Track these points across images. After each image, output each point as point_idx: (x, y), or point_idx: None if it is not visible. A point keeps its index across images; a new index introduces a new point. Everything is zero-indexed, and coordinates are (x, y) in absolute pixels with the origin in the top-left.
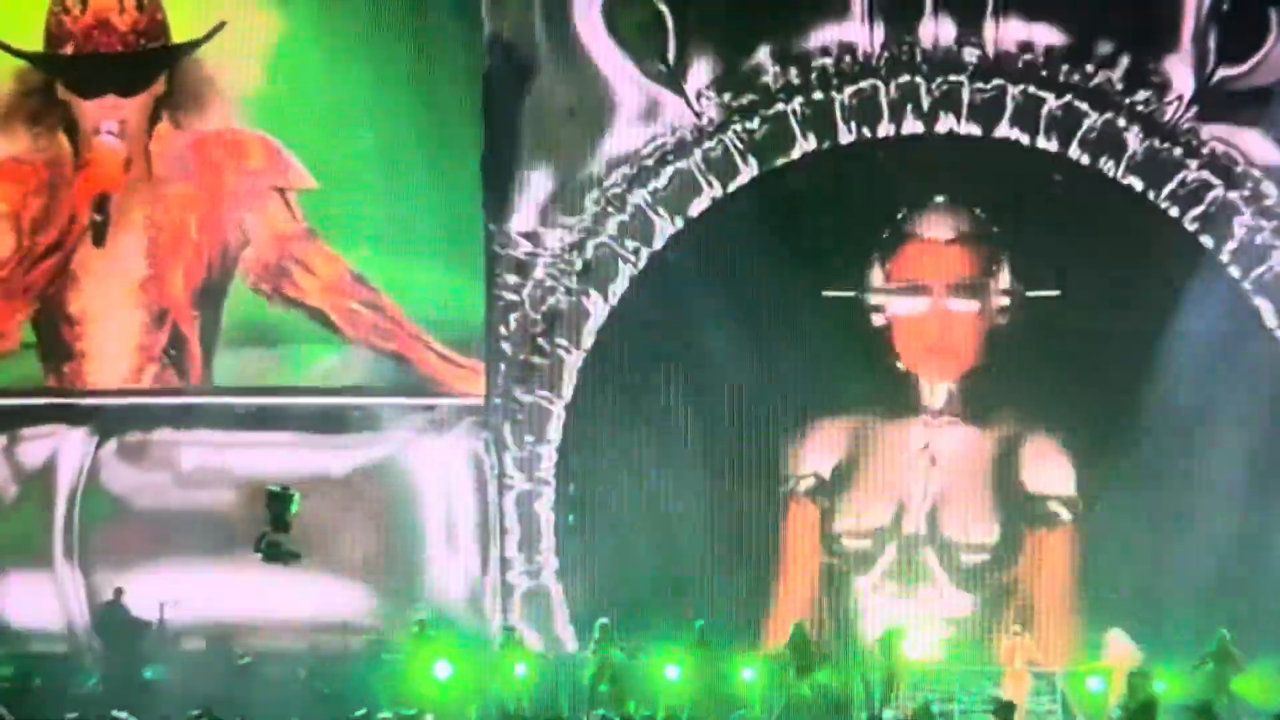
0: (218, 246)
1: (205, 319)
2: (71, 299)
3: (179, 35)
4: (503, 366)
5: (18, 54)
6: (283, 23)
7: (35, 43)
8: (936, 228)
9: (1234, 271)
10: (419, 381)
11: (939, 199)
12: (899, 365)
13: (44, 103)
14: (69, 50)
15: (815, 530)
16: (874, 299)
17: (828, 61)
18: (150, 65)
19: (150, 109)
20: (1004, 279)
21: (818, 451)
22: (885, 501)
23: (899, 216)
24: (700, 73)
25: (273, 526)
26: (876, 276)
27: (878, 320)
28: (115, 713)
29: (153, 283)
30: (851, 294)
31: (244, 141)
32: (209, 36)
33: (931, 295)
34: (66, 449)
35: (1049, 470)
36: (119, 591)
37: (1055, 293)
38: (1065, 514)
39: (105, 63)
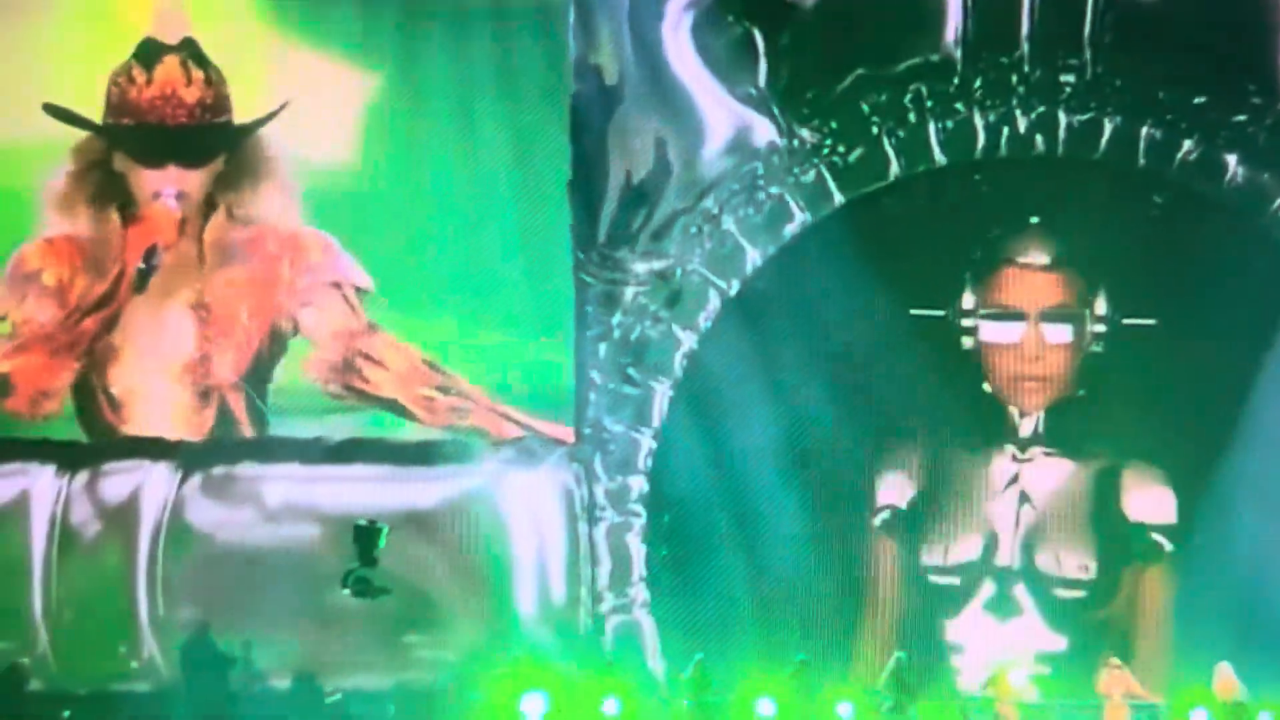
0: (267, 331)
1: (251, 398)
2: (114, 379)
3: (242, 111)
4: (592, 396)
5: (89, 126)
6: (366, 84)
7: (94, 114)
8: (1032, 252)
9: None
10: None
11: (1034, 221)
12: (988, 392)
13: (101, 178)
14: (129, 121)
15: (896, 564)
16: (965, 321)
17: (921, 86)
18: (213, 140)
19: (208, 187)
20: (1100, 306)
21: (898, 482)
22: (974, 535)
23: (992, 238)
24: (792, 96)
25: (360, 561)
26: (968, 299)
27: (968, 344)
28: None
29: (200, 365)
30: (941, 314)
31: (301, 236)
32: (271, 116)
33: (1026, 321)
34: (150, 484)
35: (1148, 500)
36: (203, 627)
37: (1152, 321)
38: (1166, 544)
39: (169, 134)
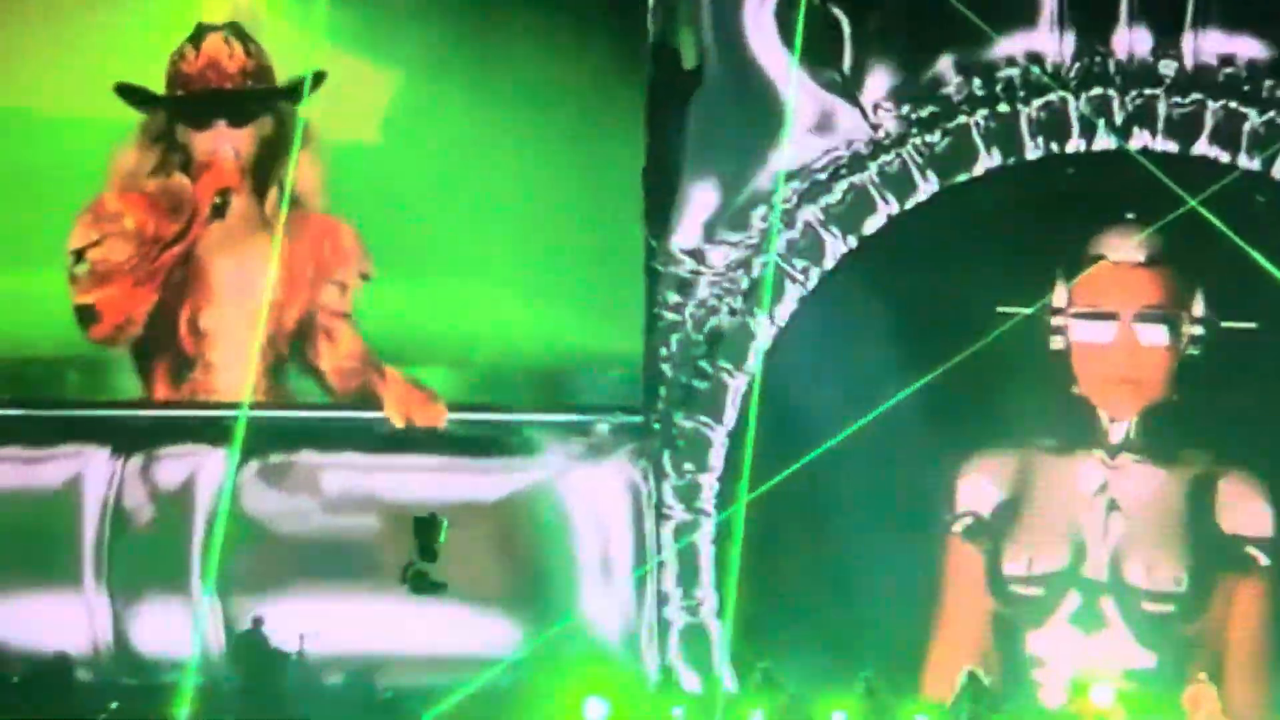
0: (305, 306)
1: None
2: (205, 314)
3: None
4: (663, 390)
5: (150, 97)
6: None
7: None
8: (1127, 250)
9: None
10: None
11: (1130, 217)
12: (1077, 394)
13: (166, 147)
14: (182, 92)
15: (978, 574)
16: (1055, 320)
17: (1014, 72)
18: (255, 101)
19: (256, 147)
20: (1197, 308)
21: (980, 487)
22: (1060, 544)
23: (1086, 236)
24: (877, 83)
25: (420, 555)
26: (1059, 297)
27: (1057, 344)
28: None
29: (277, 308)
30: (1030, 311)
31: (335, 222)
32: (308, 79)
33: (1118, 321)
34: (205, 470)
35: (1244, 512)
36: (258, 620)
37: (1252, 324)
38: (1263, 559)
39: (215, 96)
